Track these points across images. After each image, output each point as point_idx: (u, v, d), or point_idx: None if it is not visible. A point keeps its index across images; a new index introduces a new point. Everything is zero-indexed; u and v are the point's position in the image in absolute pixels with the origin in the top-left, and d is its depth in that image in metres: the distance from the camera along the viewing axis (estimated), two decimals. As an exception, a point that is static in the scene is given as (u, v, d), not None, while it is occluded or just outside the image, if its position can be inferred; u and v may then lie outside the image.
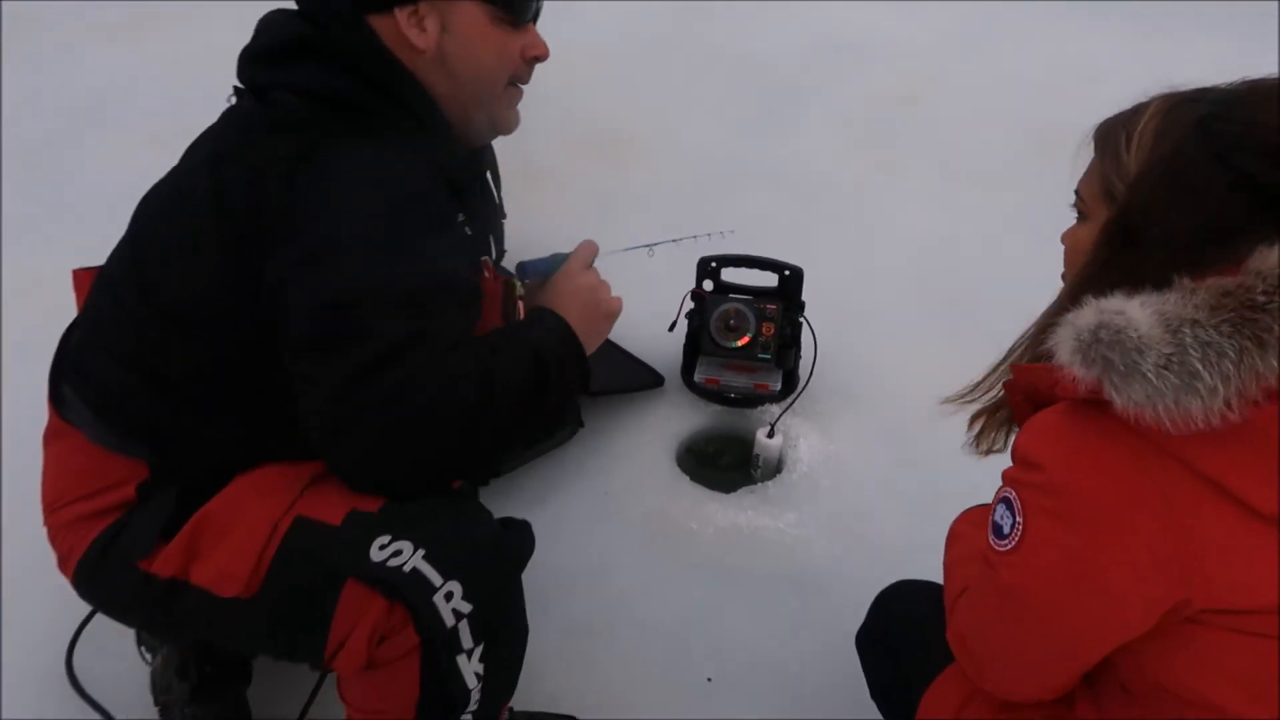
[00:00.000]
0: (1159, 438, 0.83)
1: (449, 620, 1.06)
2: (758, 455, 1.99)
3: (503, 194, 1.44)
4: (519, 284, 1.34)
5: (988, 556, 1.00)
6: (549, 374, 1.17)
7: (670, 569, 1.77)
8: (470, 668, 1.11)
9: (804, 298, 2.08)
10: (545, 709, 1.53)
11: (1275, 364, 0.78)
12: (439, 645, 1.08)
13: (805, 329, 2.10)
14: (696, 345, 2.11)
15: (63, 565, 1.20)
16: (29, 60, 3.46)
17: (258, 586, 1.09)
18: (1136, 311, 0.84)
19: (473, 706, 1.14)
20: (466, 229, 1.25)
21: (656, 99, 3.32)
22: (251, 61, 1.18)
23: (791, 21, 3.71)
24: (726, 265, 2.10)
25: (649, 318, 2.10)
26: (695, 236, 1.66)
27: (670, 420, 2.08)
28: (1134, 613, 0.90)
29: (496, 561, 1.13)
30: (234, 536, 1.09)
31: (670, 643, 1.65)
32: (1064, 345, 0.88)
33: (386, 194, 1.08)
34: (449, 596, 1.06)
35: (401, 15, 1.15)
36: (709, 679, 1.60)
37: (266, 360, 1.09)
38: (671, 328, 2.12)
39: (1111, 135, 0.99)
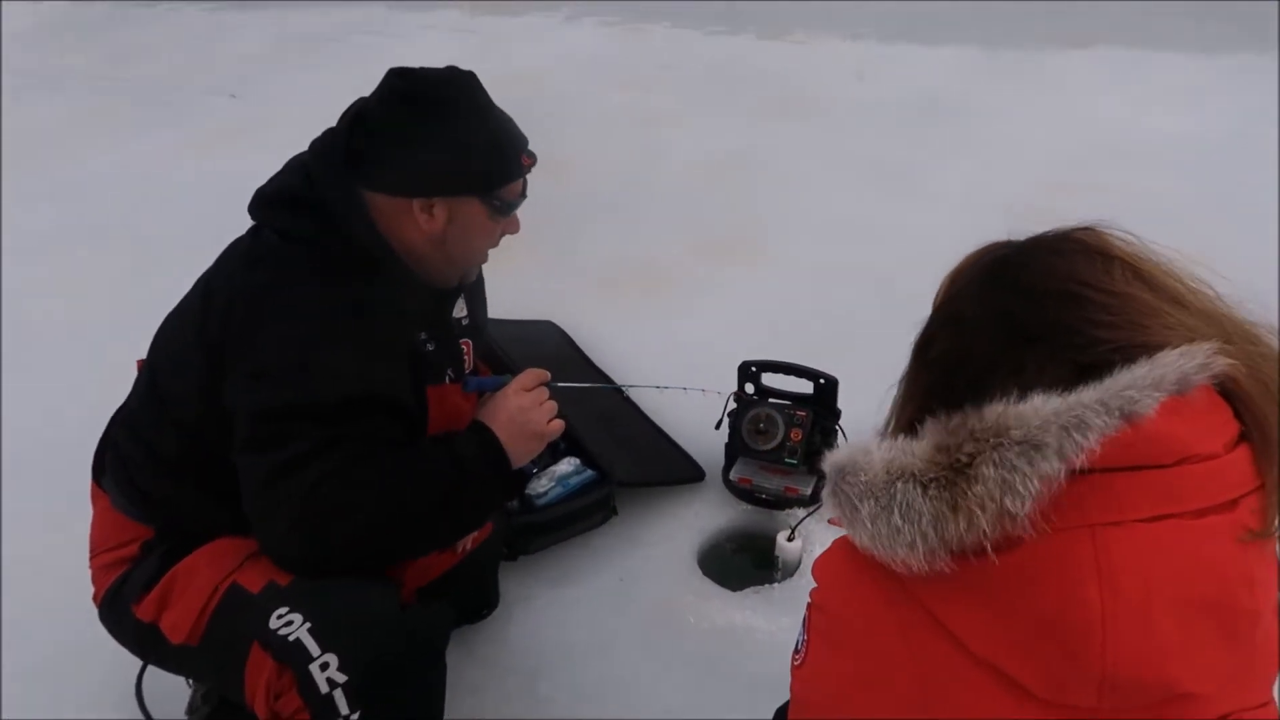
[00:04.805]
0: (900, 574, 0.88)
1: (323, 688, 1.22)
2: (778, 557, 2.04)
3: (485, 311, 1.66)
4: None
5: (791, 669, 1.07)
6: (466, 480, 1.35)
7: (656, 660, 1.84)
8: None
9: (842, 407, 2.13)
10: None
11: (964, 528, 0.81)
12: (315, 709, 1.24)
13: (841, 437, 2.14)
14: (734, 446, 2.20)
15: (95, 600, 1.49)
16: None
17: (200, 638, 1.31)
18: (875, 456, 0.90)
19: None
20: (428, 345, 1.46)
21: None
22: (256, 201, 1.45)
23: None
24: (765, 371, 2.19)
25: (711, 415, 2.21)
26: (685, 389, 1.92)
27: (701, 516, 2.17)
28: None
29: (381, 640, 1.28)
30: (188, 594, 1.33)
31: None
32: (826, 481, 0.95)
33: (323, 325, 1.31)
34: (324, 666, 1.22)
35: (416, 204, 1.41)
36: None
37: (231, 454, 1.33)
38: (717, 426, 2.23)
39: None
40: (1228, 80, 4.44)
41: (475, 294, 1.66)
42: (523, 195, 1.52)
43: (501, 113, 1.48)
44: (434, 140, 1.40)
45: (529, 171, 1.51)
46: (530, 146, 1.50)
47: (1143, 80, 4.53)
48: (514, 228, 1.54)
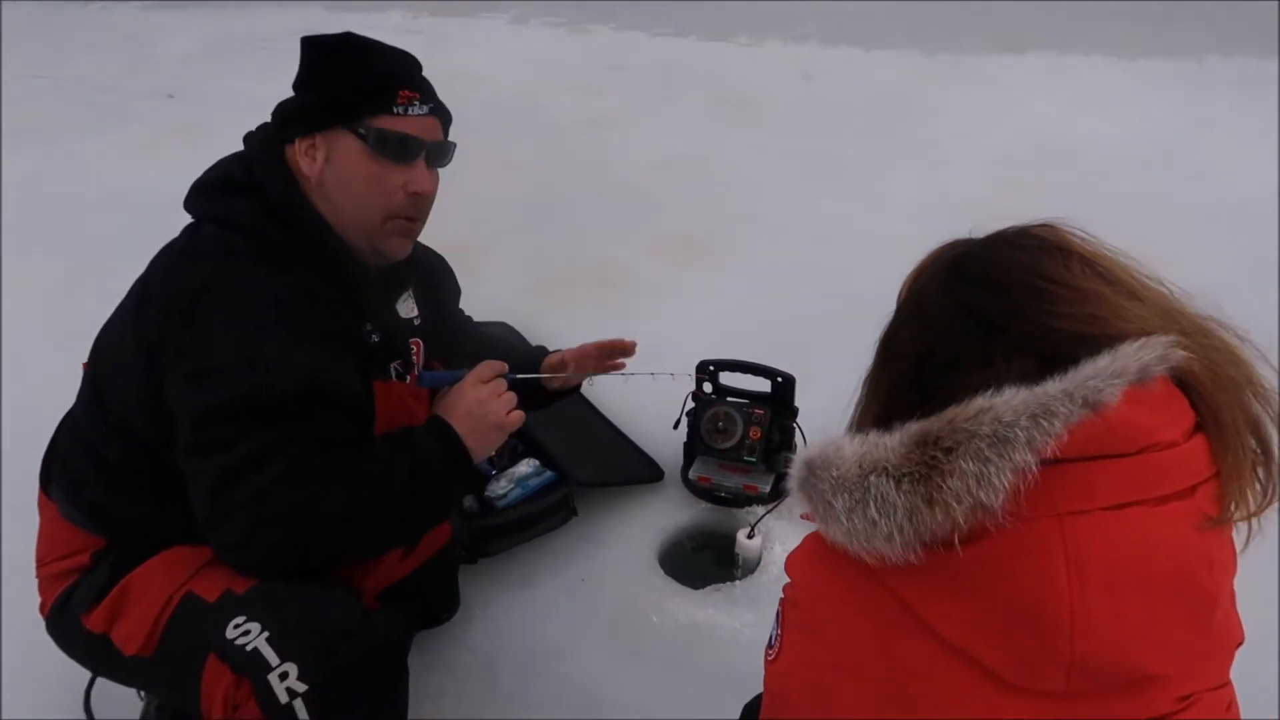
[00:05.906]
0: (872, 565, 0.89)
1: (283, 698, 1.18)
2: (738, 555, 2.05)
3: (450, 306, 1.64)
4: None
5: (764, 664, 1.08)
6: (425, 476, 1.32)
7: (622, 660, 1.84)
8: None
9: (799, 404, 2.15)
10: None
11: (940, 519, 0.83)
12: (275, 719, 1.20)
13: (799, 435, 2.16)
14: (693, 444, 2.21)
15: (41, 611, 1.44)
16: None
17: (153, 648, 1.28)
18: (846, 450, 0.91)
19: None
20: (374, 337, 1.43)
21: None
22: (192, 193, 1.42)
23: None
24: (723, 369, 2.20)
25: (669, 414, 2.23)
26: (653, 374, 1.89)
27: (661, 515, 2.17)
28: None
29: (341, 647, 1.24)
30: (141, 604, 1.29)
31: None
32: (793, 477, 0.96)
33: (266, 317, 1.27)
34: (284, 676, 1.18)
35: (301, 145, 1.37)
36: (633, 769, 1.66)
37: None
38: (675, 425, 2.23)
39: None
40: (1153, 83, 4.56)
41: (425, 292, 1.63)
42: (422, 146, 1.41)
43: (392, 51, 1.42)
44: (311, 77, 1.40)
45: (413, 109, 1.39)
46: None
47: (1075, 83, 4.64)
48: (420, 183, 1.41)
